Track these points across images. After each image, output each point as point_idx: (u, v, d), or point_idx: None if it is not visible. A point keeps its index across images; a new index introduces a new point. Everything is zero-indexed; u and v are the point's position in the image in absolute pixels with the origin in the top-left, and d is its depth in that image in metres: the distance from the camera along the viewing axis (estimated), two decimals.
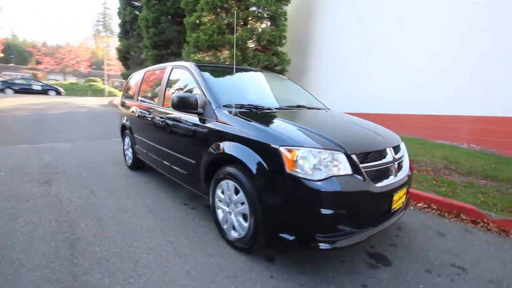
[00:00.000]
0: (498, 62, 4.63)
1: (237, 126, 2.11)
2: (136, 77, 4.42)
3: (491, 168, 3.96)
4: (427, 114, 5.80)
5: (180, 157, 2.73)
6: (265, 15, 8.33)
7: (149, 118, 3.38)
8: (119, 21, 13.45)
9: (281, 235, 1.82)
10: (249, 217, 1.98)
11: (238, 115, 2.19)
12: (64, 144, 6.14)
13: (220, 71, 3.10)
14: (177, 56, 11.44)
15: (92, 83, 30.92)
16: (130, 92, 4.50)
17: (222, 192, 2.25)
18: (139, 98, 3.95)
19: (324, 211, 1.69)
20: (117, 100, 19.80)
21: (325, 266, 1.99)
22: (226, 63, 8.81)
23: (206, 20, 8.67)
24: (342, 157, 1.79)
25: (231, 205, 2.17)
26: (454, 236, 2.47)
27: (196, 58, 8.48)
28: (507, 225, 2.54)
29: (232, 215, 2.16)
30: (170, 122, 2.91)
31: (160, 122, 3.08)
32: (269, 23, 8.86)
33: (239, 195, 2.06)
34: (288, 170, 1.74)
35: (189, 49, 8.66)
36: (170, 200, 3.18)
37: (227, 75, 3.07)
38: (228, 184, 2.15)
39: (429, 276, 1.91)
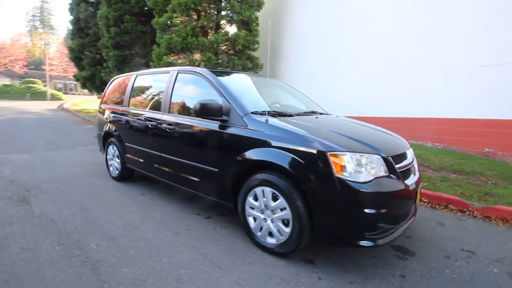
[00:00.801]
0: (453, 70, 5.38)
1: (274, 133, 2.13)
2: (122, 82, 4.12)
3: (457, 163, 4.57)
4: (394, 116, 6.44)
5: (198, 166, 2.64)
6: (239, 20, 8.38)
7: (150, 126, 3.19)
8: (70, 17, 12.22)
9: (328, 236, 1.91)
10: (291, 222, 2.02)
11: (272, 122, 2.22)
12: (22, 156, 5.42)
13: (229, 76, 3.08)
14: (142, 57, 10.84)
15: (30, 85, 27.46)
16: (115, 98, 4.17)
17: (255, 199, 2.24)
18: (131, 104, 3.69)
19: (370, 210, 1.82)
20: (68, 105, 17.91)
21: (362, 262, 2.12)
22: (203, 67, 8.67)
23: (178, 21, 8.41)
24: (380, 160, 1.94)
25: (266, 212, 2.19)
26: (451, 225, 2.82)
27: (169, 61, 8.15)
28: (488, 212, 2.99)
29: (269, 222, 2.18)
30: (181, 130, 2.80)
31: (168, 130, 2.93)
32: (239, 28, 8.90)
33: (278, 201, 2.08)
34: (336, 174, 1.83)
35: (160, 50, 8.29)
36: (179, 211, 3.04)
37: (238, 81, 3.06)
38: (264, 191, 2.16)
39: (449, 261, 2.16)
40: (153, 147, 3.20)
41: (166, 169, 3.04)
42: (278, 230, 2.12)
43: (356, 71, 7.27)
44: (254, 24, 8.88)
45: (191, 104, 3.07)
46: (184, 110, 2.91)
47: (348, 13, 7.66)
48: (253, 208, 2.28)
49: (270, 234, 2.19)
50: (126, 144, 3.71)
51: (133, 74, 3.86)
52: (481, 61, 4.97)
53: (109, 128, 4.08)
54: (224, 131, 2.40)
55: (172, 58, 8.25)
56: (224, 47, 8.67)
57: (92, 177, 4.25)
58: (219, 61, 8.26)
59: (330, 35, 8.18)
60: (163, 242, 2.38)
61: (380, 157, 1.95)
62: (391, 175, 1.96)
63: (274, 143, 2.11)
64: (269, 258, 2.15)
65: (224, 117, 2.41)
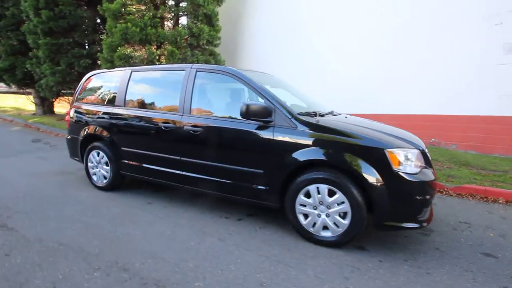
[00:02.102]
0: (404, 71, 6.31)
1: (327, 133, 2.26)
2: (109, 78, 3.63)
3: None
4: (356, 113, 7.22)
5: (236, 169, 2.58)
6: (202, 13, 8.06)
7: (163, 128, 2.93)
8: None
9: (386, 223, 2.16)
10: (350, 214, 2.20)
11: (323, 122, 2.34)
12: None
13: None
14: (81, 47, 9.45)
15: None
16: (100, 97, 3.65)
17: (307, 197, 2.35)
18: (129, 104, 3.30)
19: (420, 197, 2.13)
20: None
21: (401, 243, 2.44)
22: (163, 62, 8.04)
23: (133, 9, 7.62)
24: (419, 153, 2.27)
25: (320, 207, 2.31)
26: (440, 204, 3.42)
27: (125, 53, 7.36)
28: (460, 190, 3.73)
29: (323, 216, 2.31)
30: (212, 132, 2.68)
31: (192, 133, 2.76)
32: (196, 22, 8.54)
33: (336, 196, 2.23)
34: (394, 168, 2.08)
35: (113, 40, 7.40)
36: (205, 216, 2.91)
37: (262, 80, 3.05)
38: (319, 188, 2.28)
39: (458, 232, 2.66)
40: (168, 151, 2.96)
41: (188, 174, 2.86)
42: (334, 223, 2.28)
43: (323, 69, 7.72)
44: (216, 19, 8.68)
45: (219, 104, 2.96)
46: (212, 111, 2.78)
47: (311, 10, 8.01)
48: (304, 206, 2.37)
49: (325, 227, 2.33)
50: (123, 149, 3.31)
51: (126, 69, 3.43)
52: (427, 64, 5.98)
53: (92, 131, 3.56)
54: (271, 132, 2.42)
55: (129, 50, 7.47)
56: (183, 41, 8.23)
57: (69, 189, 3.66)
58: (181, 56, 7.83)
59: (294, 32, 8.44)
60: (214, 249, 2.29)
61: (418, 151, 2.28)
62: (427, 166, 2.32)
63: (326, 142, 2.25)
64: (326, 250, 2.29)
65: (270, 119, 2.42)
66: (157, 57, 7.87)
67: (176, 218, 2.87)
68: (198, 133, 2.73)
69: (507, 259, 2.23)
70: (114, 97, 3.44)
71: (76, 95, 3.89)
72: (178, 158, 2.89)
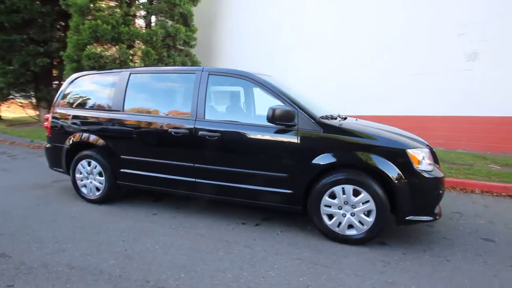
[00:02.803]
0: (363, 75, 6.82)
1: (351, 136, 2.37)
2: (102, 81, 3.34)
3: None
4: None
5: (258, 173, 2.56)
6: (178, 13, 7.79)
7: (174, 134, 2.79)
8: None
9: (407, 218, 2.32)
10: (375, 211, 2.32)
11: (346, 125, 2.44)
12: None
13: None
14: (37, 44, 8.50)
15: None
16: (91, 101, 3.34)
17: (332, 198, 2.42)
18: (128, 109, 3.07)
19: (436, 192, 2.35)
20: None
21: (413, 236, 2.64)
22: (137, 63, 7.57)
23: (103, 5, 7.08)
24: (429, 152, 2.49)
25: (345, 207, 2.41)
26: None
27: (95, 52, 6.82)
28: None
29: (348, 216, 2.40)
30: (233, 137, 2.63)
31: (208, 138, 2.67)
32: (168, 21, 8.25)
33: (361, 195, 2.33)
34: (415, 167, 2.26)
35: (81, 38, 6.80)
36: (221, 224, 2.84)
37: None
38: (344, 189, 2.37)
39: (454, 221, 2.97)
40: (179, 158, 2.82)
41: (203, 181, 2.76)
42: (359, 221, 2.39)
43: (300, 68, 7.92)
44: (191, 19, 8.46)
45: (235, 108, 2.91)
46: (230, 115, 2.72)
47: (288, 10, 8.10)
48: (329, 206, 2.45)
49: (349, 226, 2.43)
50: (122, 157, 3.07)
51: (122, 71, 3.19)
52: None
53: (82, 138, 3.24)
54: (295, 136, 2.45)
55: (99, 49, 6.92)
56: (159, 41, 7.87)
57: (54, 204, 3.30)
58: (157, 56, 7.49)
59: (270, 33, 8.48)
60: (244, 257, 2.25)
61: (428, 150, 2.50)
62: (436, 164, 2.55)
63: (352, 145, 2.35)
64: (353, 248, 2.39)
65: (293, 122, 2.45)
66: (130, 57, 7.43)
67: (191, 228, 2.75)
68: (215, 138, 2.65)
69: (504, 242, 2.55)
70: (109, 101, 3.18)
71: (58, 99, 3.50)
72: (192, 165, 2.77)
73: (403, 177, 2.26)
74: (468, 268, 2.13)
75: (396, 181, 2.26)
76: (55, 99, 3.54)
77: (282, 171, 2.51)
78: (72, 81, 3.49)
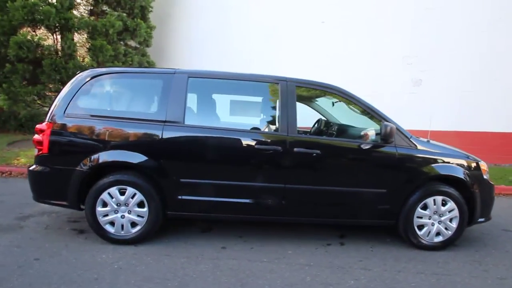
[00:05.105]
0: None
1: (439, 151, 2.63)
2: (143, 83, 2.58)
3: None
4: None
5: (358, 191, 2.52)
6: (139, 6, 6.74)
7: (263, 151, 2.42)
8: None
9: (476, 221, 2.73)
10: (458, 218, 2.63)
11: (432, 141, 2.69)
12: None
13: None
14: None
15: None
16: (124, 109, 2.57)
17: (424, 209, 2.61)
18: (192, 120, 2.47)
19: (493, 197, 2.85)
20: None
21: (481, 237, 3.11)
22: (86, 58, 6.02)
23: None
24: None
25: (434, 217, 2.63)
26: None
27: (33, 40, 5.16)
28: None
29: (436, 224, 2.63)
30: (332, 154, 2.50)
31: (304, 155, 2.44)
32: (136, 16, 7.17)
33: (448, 205, 2.60)
34: (485, 177, 2.71)
35: (8, 19, 5.02)
36: (307, 247, 2.61)
37: None
38: (435, 200, 2.59)
39: None
40: (266, 179, 2.47)
41: (294, 203, 2.50)
42: (445, 228, 2.65)
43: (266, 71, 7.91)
44: (149, 15, 7.44)
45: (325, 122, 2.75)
46: (323, 131, 2.56)
47: (249, 9, 7.79)
48: (420, 217, 2.62)
49: (437, 234, 2.66)
50: (183, 180, 2.45)
51: (176, 73, 2.53)
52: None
53: (110, 158, 2.42)
54: (395, 151, 2.53)
55: (37, 37, 5.26)
56: (115, 34, 6.62)
57: (64, 250, 2.35)
58: (116, 53, 6.27)
59: (234, 33, 7.96)
60: (369, 281, 2.16)
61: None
62: None
63: (441, 160, 2.62)
64: (440, 254, 2.60)
65: (392, 139, 2.53)
66: (75, 50, 5.96)
67: (284, 258, 2.42)
68: (314, 155, 2.45)
69: None
70: (160, 110, 2.48)
71: (66, 105, 2.48)
72: (283, 186, 2.47)
73: (477, 186, 2.66)
74: None
75: (475, 190, 2.63)
76: (56, 104, 2.49)
77: (381, 187, 2.54)
78: (86, 82, 2.54)
